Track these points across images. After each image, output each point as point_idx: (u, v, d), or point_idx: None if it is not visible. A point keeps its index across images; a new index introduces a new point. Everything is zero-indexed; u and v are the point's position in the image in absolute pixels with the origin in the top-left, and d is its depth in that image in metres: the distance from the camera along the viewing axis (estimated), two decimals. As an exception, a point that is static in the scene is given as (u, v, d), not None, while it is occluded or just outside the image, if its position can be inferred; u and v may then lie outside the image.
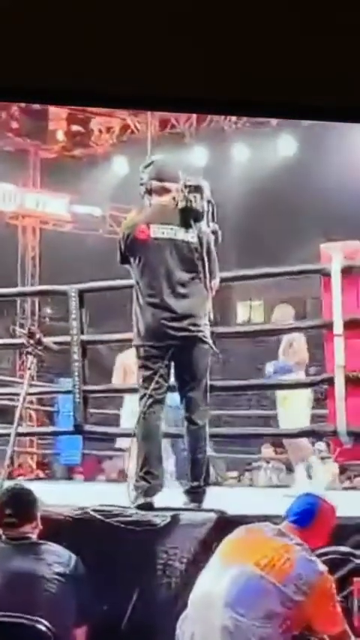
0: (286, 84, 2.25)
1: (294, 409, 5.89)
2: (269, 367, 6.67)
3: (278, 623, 2.74)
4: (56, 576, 3.10)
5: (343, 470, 9.55)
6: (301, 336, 6.15)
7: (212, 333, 4.18)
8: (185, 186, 4.12)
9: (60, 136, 14.94)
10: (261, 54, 2.23)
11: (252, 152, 14.78)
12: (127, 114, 14.77)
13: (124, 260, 4.19)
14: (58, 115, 14.44)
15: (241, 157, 14.84)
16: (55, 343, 5.31)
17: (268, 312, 19.47)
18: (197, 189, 4.12)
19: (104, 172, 15.36)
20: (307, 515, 3.08)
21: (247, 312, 20.05)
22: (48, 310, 16.05)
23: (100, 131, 15.22)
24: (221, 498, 4.69)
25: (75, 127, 14.77)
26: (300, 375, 6.02)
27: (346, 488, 9.20)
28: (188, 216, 4.10)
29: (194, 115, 14.60)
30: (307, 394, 5.99)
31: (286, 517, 3.11)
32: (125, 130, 15.19)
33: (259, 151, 14.69)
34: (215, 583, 2.89)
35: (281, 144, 14.56)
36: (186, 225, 4.09)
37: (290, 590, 2.78)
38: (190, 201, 4.09)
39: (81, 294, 5.36)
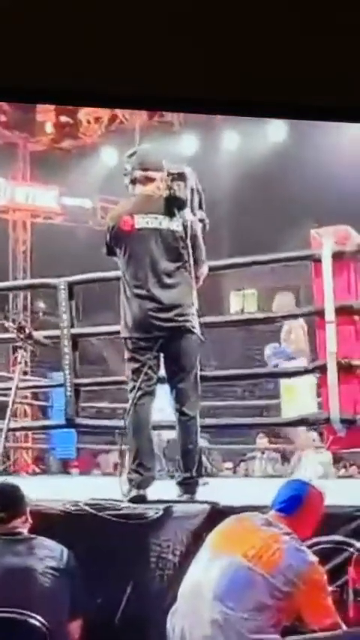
0: (286, 84, 2.23)
1: (298, 398, 5.87)
2: (268, 350, 6.69)
3: (268, 615, 2.71)
4: (49, 570, 3.09)
5: (338, 459, 9.57)
6: (300, 324, 6.12)
7: (201, 323, 4.15)
8: (168, 175, 4.09)
9: (48, 127, 14.88)
10: (261, 54, 2.22)
11: (242, 139, 14.74)
12: (115, 104, 14.68)
13: (110, 252, 4.16)
14: (45, 106, 14.36)
15: (231, 145, 14.81)
16: (46, 337, 5.29)
17: (262, 300, 19.54)
18: (180, 177, 4.09)
19: (93, 164, 15.31)
20: (294, 503, 3.03)
21: (241, 301, 20.04)
22: (41, 304, 16.01)
23: (89, 122, 15.15)
24: (216, 489, 4.68)
25: (63, 119, 14.71)
26: (300, 363, 5.99)
27: (340, 477, 9.22)
28: (172, 205, 4.07)
29: (182, 104, 14.52)
30: (310, 382, 5.91)
31: (272, 506, 3.06)
32: (114, 120, 15.11)
33: (249, 138, 14.66)
34: (204, 575, 2.86)
35: (271, 130, 14.53)
36: (170, 214, 4.06)
37: (279, 581, 2.75)
38: (174, 189, 4.07)
39: (70, 286, 5.33)
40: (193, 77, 2.22)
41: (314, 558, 2.93)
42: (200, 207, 4.34)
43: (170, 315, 4.01)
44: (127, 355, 4.11)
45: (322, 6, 2.23)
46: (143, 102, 2.66)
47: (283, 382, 6.28)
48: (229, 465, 10.95)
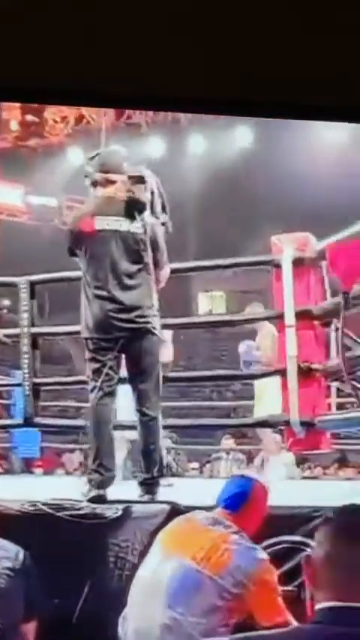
0: (286, 84, 2.24)
1: (268, 400, 5.90)
2: (242, 346, 6.76)
3: (219, 616, 2.69)
4: (4, 571, 3.05)
5: (303, 460, 9.64)
6: (271, 332, 6.15)
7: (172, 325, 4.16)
8: (128, 178, 4.11)
9: (14, 125, 14.81)
10: (261, 54, 2.22)
11: (208, 143, 14.80)
12: (81, 104, 14.65)
13: (72, 253, 4.17)
14: (11, 104, 14.28)
15: (198, 149, 14.86)
16: (6, 336, 5.26)
17: (230, 302, 19.62)
18: (140, 179, 4.12)
19: (59, 163, 15.27)
20: (240, 499, 2.98)
21: (209, 303, 20.11)
22: (6, 302, 15.91)
23: (55, 121, 15.11)
24: (179, 490, 4.69)
25: (29, 117, 14.64)
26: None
27: (305, 478, 9.29)
28: (132, 208, 4.09)
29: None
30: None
31: (218, 503, 3.01)
32: (80, 120, 15.09)
33: (216, 142, 14.72)
34: (154, 577, 2.83)
35: (238, 135, 14.60)
36: (130, 216, 4.08)
37: (228, 583, 2.72)
38: (133, 192, 4.08)
39: (32, 285, 5.31)
40: (193, 77, 2.22)
41: (264, 556, 2.91)
42: (163, 210, 4.37)
43: (131, 316, 4.03)
44: (87, 355, 4.11)
45: (322, 6, 2.25)
46: (143, 102, 2.65)
47: (257, 384, 6.33)
48: (195, 465, 10.97)
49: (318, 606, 1.49)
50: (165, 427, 4.49)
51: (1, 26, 2.14)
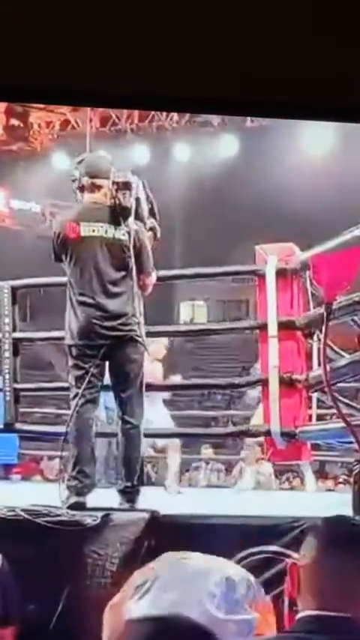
0: (286, 84, 2.24)
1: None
2: None
3: None
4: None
5: (282, 471, 9.65)
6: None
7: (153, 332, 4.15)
8: (113, 183, 4.09)
9: (-2, 129, 14.76)
10: (261, 54, 2.22)
11: (193, 151, 14.84)
12: (67, 109, 14.67)
13: (57, 258, 4.15)
14: (-4, 107, 14.25)
15: (182, 156, 14.90)
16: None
17: (211, 311, 19.64)
18: (125, 185, 4.09)
19: (44, 167, 15.23)
20: None
21: (190, 312, 20.12)
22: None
23: (40, 126, 15.08)
24: (158, 498, 4.68)
25: (13, 121, 14.59)
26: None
27: (283, 489, 9.29)
28: (117, 214, 4.07)
29: (136, 113, 14.58)
30: None
31: None
32: (66, 125, 15.08)
33: (200, 150, 14.76)
34: None
35: (223, 144, 14.66)
36: (115, 222, 4.06)
37: None
38: (119, 198, 4.07)
39: (14, 290, 5.29)
40: (193, 77, 2.22)
41: None
42: (153, 215, 4.34)
43: (115, 323, 4.01)
44: (70, 362, 4.10)
45: (323, 6, 2.25)
46: (143, 102, 2.64)
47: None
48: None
49: (300, 614, 1.50)
50: (146, 435, 4.47)
51: (1, 26, 2.14)
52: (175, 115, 14.59)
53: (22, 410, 5.48)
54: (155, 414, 5.58)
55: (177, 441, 6.32)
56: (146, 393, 4.26)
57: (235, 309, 17.55)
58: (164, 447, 6.31)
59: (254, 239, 5.36)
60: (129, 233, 4.05)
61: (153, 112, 14.69)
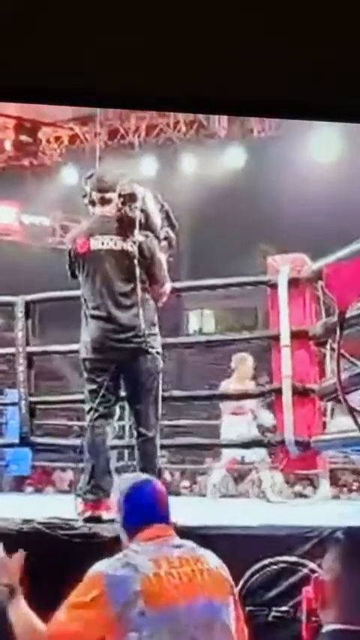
0: (286, 84, 2.25)
1: None
2: None
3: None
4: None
5: (295, 480, 9.61)
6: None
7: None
8: (120, 196, 4.10)
9: (8, 145, 14.83)
10: (261, 54, 2.23)
11: (200, 163, 14.86)
12: (75, 124, 14.75)
13: (73, 274, 4.16)
14: (4, 124, 14.33)
15: (190, 168, 14.92)
16: (1, 355, 5.25)
17: (219, 321, 19.64)
18: (131, 197, 4.10)
19: (54, 182, 15.29)
20: (165, 505, 2.57)
21: (199, 322, 20.12)
22: (-1, 320, 15.90)
23: (49, 141, 15.15)
24: (173, 509, 4.65)
25: (23, 137, 14.66)
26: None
27: (296, 497, 9.25)
28: (124, 226, 4.07)
29: (143, 126, 14.65)
30: None
31: (149, 520, 2.52)
32: (74, 140, 15.14)
33: (208, 162, 14.78)
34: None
35: (229, 155, 14.68)
36: (123, 234, 4.07)
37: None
38: (125, 210, 4.08)
39: (27, 305, 5.31)
40: (193, 77, 2.23)
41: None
42: (171, 224, 4.33)
43: (128, 336, 4.01)
44: (85, 376, 4.11)
45: (323, 6, 2.26)
46: (143, 102, 2.65)
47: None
48: (186, 483, 10.95)
49: (326, 628, 1.49)
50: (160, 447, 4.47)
51: (1, 26, 2.15)
52: (182, 127, 14.62)
53: (36, 422, 5.50)
54: None
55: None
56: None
57: (243, 317, 17.56)
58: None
59: (264, 250, 5.37)
60: (135, 244, 4.06)
61: (160, 126, 14.75)
